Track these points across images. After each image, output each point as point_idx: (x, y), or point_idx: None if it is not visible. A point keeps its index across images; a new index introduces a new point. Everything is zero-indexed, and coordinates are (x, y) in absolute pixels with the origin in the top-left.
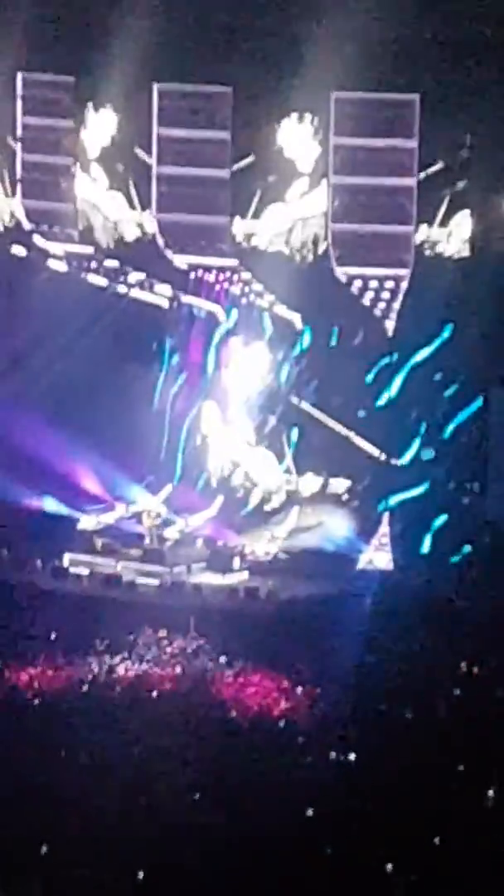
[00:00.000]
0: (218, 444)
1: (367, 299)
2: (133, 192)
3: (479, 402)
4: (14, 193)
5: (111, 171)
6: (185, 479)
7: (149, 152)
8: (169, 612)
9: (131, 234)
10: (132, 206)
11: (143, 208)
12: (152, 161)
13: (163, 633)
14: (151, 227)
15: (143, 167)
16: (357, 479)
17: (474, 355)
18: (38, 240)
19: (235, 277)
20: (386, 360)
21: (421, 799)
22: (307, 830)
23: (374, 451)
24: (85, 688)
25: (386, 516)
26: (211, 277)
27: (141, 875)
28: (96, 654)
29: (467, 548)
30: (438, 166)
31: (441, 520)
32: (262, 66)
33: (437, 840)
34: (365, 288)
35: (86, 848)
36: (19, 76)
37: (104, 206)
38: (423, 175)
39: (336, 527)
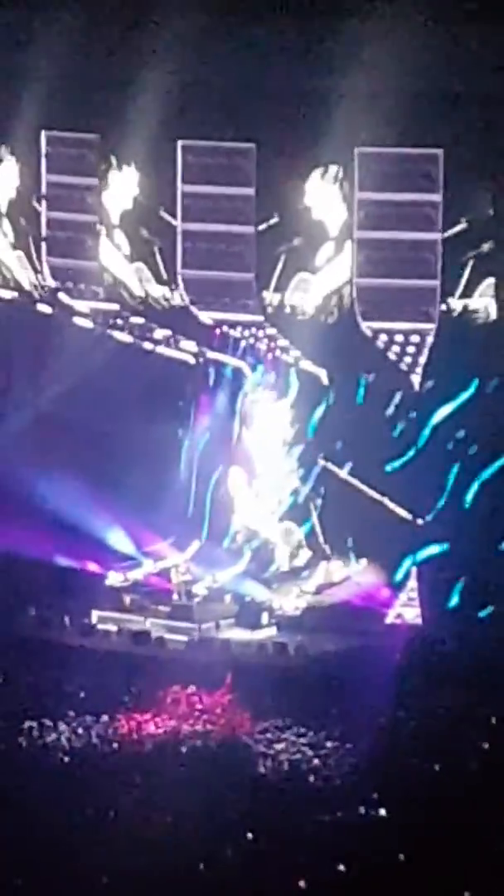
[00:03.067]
0: (244, 503)
1: (392, 353)
2: (159, 260)
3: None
4: (41, 271)
5: (136, 234)
6: (213, 535)
7: (173, 210)
8: (198, 669)
9: (158, 298)
10: (160, 281)
11: (171, 281)
12: (177, 222)
13: (192, 689)
14: (178, 295)
15: (169, 229)
16: (383, 534)
17: (500, 410)
18: (63, 297)
19: (261, 333)
20: (412, 415)
21: (451, 853)
22: (338, 886)
23: (401, 507)
24: (115, 745)
25: (414, 571)
26: (236, 333)
27: None
28: (125, 711)
29: (496, 602)
30: (462, 226)
31: (469, 574)
32: (286, 122)
33: (467, 894)
34: (391, 342)
35: None
36: (43, 134)
37: (130, 278)
38: (445, 234)
39: (364, 582)
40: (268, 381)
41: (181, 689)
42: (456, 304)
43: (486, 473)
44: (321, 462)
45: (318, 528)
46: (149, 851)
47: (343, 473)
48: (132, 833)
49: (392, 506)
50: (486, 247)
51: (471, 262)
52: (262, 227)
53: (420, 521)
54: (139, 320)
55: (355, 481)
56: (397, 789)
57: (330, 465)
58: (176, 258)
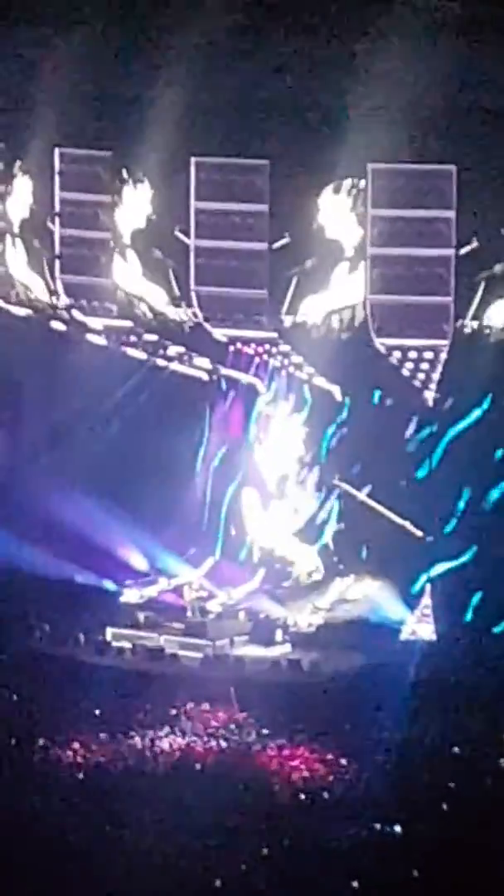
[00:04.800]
0: (258, 520)
1: (406, 370)
2: (173, 279)
3: None
4: (55, 288)
5: (149, 253)
6: (227, 552)
7: (186, 228)
8: (212, 686)
9: (172, 316)
10: (173, 299)
11: (185, 298)
12: (190, 240)
13: (206, 706)
14: (191, 311)
15: (182, 247)
16: (397, 551)
17: None
18: (77, 314)
19: (274, 350)
20: (426, 432)
21: (466, 870)
22: None
23: (414, 523)
24: (129, 762)
25: (428, 587)
26: (250, 350)
27: None
28: (140, 728)
29: None
30: (473, 245)
31: (483, 590)
32: (300, 138)
33: None
34: (404, 358)
35: None
36: (56, 151)
37: (144, 295)
38: (458, 253)
39: (378, 598)
40: (281, 397)
41: (195, 705)
42: (469, 323)
43: (500, 489)
44: (335, 479)
45: (331, 545)
46: (164, 868)
47: (356, 491)
48: (147, 849)
49: (405, 523)
50: (498, 268)
51: (482, 284)
52: (274, 246)
53: (431, 539)
54: (153, 337)
55: (368, 498)
56: (412, 806)
57: (343, 483)
58: (189, 275)
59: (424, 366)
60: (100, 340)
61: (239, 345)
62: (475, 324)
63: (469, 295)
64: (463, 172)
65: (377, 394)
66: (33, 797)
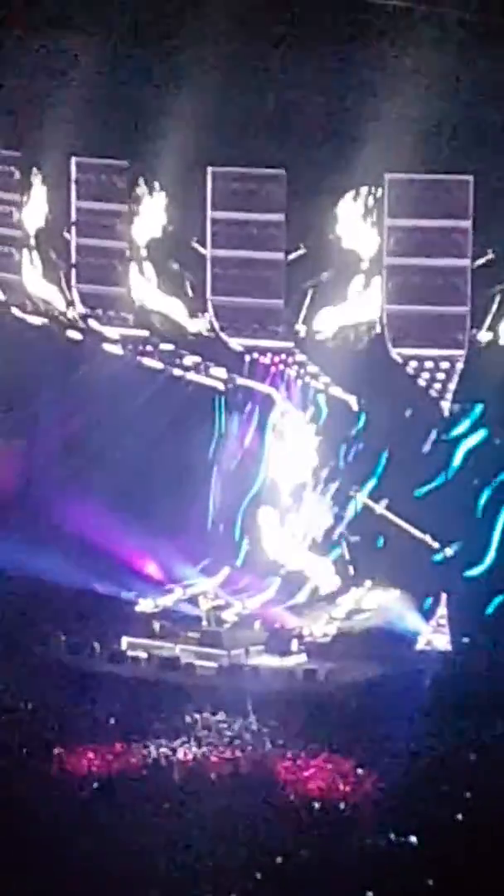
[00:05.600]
0: (273, 529)
1: (422, 380)
2: (189, 289)
3: None
4: (71, 297)
5: (166, 263)
6: (243, 562)
7: (203, 238)
8: (227, 695)
9: (188, 325)
10: (190, 309)
11: (201, 308)
12: (207, 250)
13: (221, 716)
14: (207, 321)
15: (199, 257)
16: (413, 560)
17: None
18: (93, 323)
19: (290, 359)
20: (443, 442)
21: (484, 881)
22: None
23: (430, 534)
24: (144, 771)
25: (444, 597)
26: (266, 360)
27: None
28: (154, 737)
29: None
30: (489, 256)
31: (500, 600)
32: (317, 148)
33: None
34: (420, 369)
35: None
36: (73, 160)
37: (160, 305)
38: (473, 264)
39: (394, 608)
40: (297, 406)
41: (210, 715)
42: (484, 335)
43: None
44: (351, 489)
45: (347, 555)
46: (178, 877)
47: (371, 501)
48: (161, 858)
49: (425, 536)
50: None
51: (498, 297)
52: (290, 257)
53: (449, 550)
54: (169, 346)
55: (384, 509)
56: (428, 816)
57: (359, 493)
58: (206, 285)
59: (441, 376)
60: (116, 350)
61: (255, 354)
62: (491, 335)
63: (485, 305)
64: (480, 183)
65: (393, 404)
66: (48, 806)
